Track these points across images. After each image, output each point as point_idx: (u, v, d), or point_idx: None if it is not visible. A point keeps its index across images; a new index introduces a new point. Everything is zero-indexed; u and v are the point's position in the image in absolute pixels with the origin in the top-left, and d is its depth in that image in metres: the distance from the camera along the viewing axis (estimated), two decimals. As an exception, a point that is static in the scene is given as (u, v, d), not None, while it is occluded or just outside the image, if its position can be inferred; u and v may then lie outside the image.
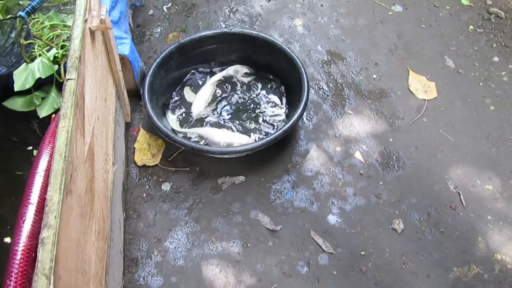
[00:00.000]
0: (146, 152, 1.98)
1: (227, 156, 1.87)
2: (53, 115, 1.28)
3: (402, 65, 2.37)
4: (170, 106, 2.12)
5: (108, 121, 1.57)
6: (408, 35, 2.53)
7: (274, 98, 2.15)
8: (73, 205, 0.98)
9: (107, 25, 1.47)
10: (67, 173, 0.94)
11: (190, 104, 2.12)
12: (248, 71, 2.25)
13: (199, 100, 2.12)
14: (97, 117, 1.34)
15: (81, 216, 1.05)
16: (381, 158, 1.99)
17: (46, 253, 0.81)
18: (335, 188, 1.90)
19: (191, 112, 2.08)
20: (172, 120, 2.06)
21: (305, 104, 1.87)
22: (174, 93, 2.17)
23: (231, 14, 2.66)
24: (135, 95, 2.10)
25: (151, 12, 2.68)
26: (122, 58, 1.91)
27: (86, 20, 1.32)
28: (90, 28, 1.36)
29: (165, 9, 2.69)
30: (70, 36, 1.25)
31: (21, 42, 1.81)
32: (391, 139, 2.06)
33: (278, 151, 1.99)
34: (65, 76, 1.12)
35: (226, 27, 2.54)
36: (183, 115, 2.08)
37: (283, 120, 2.06)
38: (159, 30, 2.55)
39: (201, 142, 1.95)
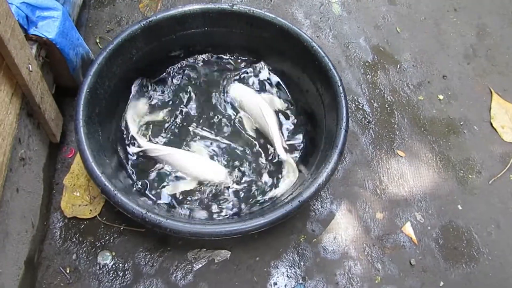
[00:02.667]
0: (82, 193, 1.26)
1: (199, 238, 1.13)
2: None
3: (482, 83, 1.60)
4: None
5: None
6: (492, 33, 1.73)
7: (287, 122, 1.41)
8: None
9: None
10: None
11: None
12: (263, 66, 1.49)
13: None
14: None
15: None
16: (443, 239, 1.29)
17: None
18: (369, 286, 1.21)
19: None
20: (136, 115, 1.34)
21: (340, 154, 1.14)
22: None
23: (239, -26, 1.83)
24: (73, 94, 1.32)
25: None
26: (46, 44, 1.14)
27: None
28: None
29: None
30: None
31: None
32: (460, 206, 1.35)
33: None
34: None
35: (227, 0, 1.72)
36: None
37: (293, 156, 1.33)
38: (130, -11, 1.74)
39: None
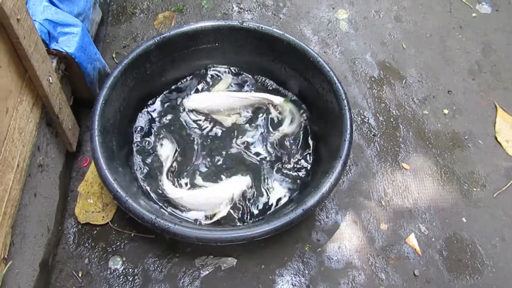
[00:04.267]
0: (95, 200, 1.32)
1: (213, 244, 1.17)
2: None
3: (487, 97, 1.63)
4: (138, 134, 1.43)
5: (5, 187, 0.90)
6: (498, 50, 1.76)
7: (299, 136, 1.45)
8: None
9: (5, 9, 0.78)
10: None
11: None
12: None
13: (212, 96, 1.50)
14: None
15: None
16: (447, 251, 1.30)
17: None
18: (373, 296, 1.23)
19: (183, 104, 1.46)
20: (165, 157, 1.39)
21: (344, 164, 1.17)
22: (145, 113, 1.48)
23: (250, -7, 1.90)
24: (89, 106, 1.39)
25: (140, -23, 1.94)
26: (65, 58, 1.21)
27: None
28: None
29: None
30: None
31: None
32: (464, 219, 1.36)
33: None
34: None
35: (237, 17, 1.79)
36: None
37: (300, 169, 1.37)
38: (146, 6, 1.82)
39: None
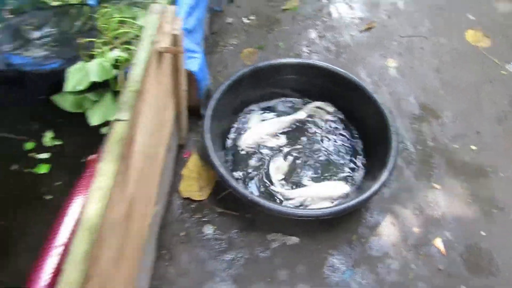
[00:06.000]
0: (194, 182, 1.73)
1: (301, 218, 1.55)
2: (91, 156, 1.05)
3: (510, 141, 1.97)
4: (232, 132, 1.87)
5: (158, 155, 1.33)
6: (522, 103, 2.12)
7: (351, 150, 1.84)
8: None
9: (178, 47, 1.23)
10: (91, 254, 0.69)
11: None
12: (331, 110, 1.95)
13: (255, 132, 1.85)
14: (146, 157, 1.10)
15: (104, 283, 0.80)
16: (468, 255, 1.62)
17: None
18: (404, 280, 1.55)
19: (239, 144, 1.83)
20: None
21: (390, 173, 1.55)
22: (238, 119, 1.91)
23: (317, 39, 2.36)
24: (194, 113, 1.86)
25: (229, 20, 2.45)
26: (189, 75, 1.67)
27: (155, 41, 1.07)
28: (158, 50, 1.11)
29: (244, 20, 2.45)
30: (134, 56, 1.01)
31: (82, 38, 1.63)
32: (484, 233, 1.68)
33: (342, 215, 1.68)
34: (123, 84, 0.88)
35: (307, 57, 2.25)
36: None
37: (355, 179, 1.74)
38: (234, 42, 2.31)
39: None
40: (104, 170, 0.77)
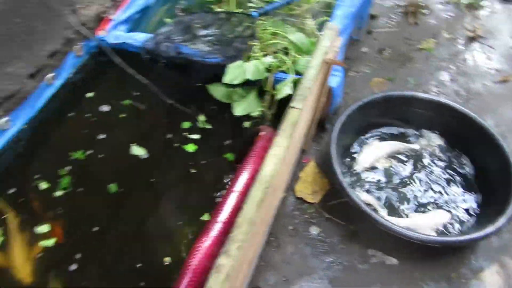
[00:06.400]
0: (308, 186, 1.91)
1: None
2: (261, 133, 1.28)
3: None
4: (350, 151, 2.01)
5: (295, 149, 1.53)
6: None
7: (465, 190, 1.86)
8: (253, 235, 0.93)
9: (338, 59, 1.43)
10: (261, 204, 0.89)
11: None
12: (442, 143, 2.00)
13: (371, 153, 1.96)
14: (293, 146, 1.30)
15: (249, 245, 1.01)
16: None
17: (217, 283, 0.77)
18: (501, 331, 1.53)
19: (354, 165, 1.95)
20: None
21: (508, 220, 1.55)
22: (358, 140, 2.05)
23: (448, 81, 2.42)
24: (319, 125, 2.04)
25: (364, 49, 2.62)
26: (328, 90, 1.86)
27: (325, 52, 1.28)
28: (325, 60, 1.32)
29: (379, 53, 2.59)
30: (310, 61, 1.23)
31: (248, 42, 1.92)
32: None
33: (447, 250, 1.71)
34: (272, 87, 1.06)
35: (437, 94, 2.31)
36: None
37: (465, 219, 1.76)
38: (366, 70, 2.46)
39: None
40: (279, 142, 0.98)
